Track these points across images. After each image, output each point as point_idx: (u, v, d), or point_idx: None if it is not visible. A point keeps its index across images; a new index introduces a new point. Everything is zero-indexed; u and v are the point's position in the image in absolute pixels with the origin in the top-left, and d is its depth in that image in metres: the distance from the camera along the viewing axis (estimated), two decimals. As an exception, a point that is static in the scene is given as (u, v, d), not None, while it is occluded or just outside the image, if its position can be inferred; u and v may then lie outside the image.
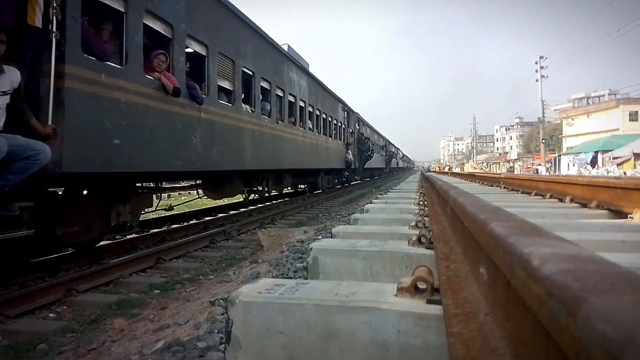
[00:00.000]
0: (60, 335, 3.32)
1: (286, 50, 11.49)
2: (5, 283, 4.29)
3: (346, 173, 20.36)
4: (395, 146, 50.12)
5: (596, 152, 35.42)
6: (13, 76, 3.66)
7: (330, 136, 16.48)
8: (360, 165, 22.06)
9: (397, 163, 51.41)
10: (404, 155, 69.16)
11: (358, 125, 22.88)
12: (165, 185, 8.91)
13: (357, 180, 24.82)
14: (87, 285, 4.43)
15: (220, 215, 10.17)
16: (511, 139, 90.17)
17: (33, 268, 4.86)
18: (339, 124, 18.43)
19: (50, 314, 3.82)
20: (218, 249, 6.71)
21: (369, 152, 22.93)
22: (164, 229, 8.02)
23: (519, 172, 34.91)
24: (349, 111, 20.37)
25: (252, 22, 8.73)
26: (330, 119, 16.50)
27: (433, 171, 36.94)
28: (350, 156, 19.29)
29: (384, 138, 36.37)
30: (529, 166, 47.06)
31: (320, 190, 16.79)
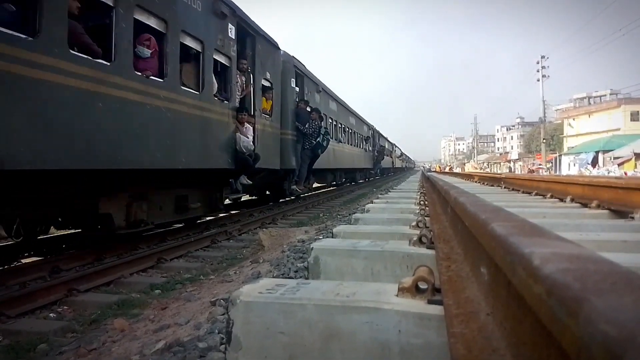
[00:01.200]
0: (61, 335, 3.32)
1: None
2: (5, 283, 4.30)
3: (242, 182, 8.67)
4: (389, 141, 40.72)
5: (597, 152, 35.41)
6: None
7: (159, 82, 5.57)
8: (303, 164, 12.12)
9: (394, 162, 43.91)
10: (402, 154, 62.24)
11: (297, 85, 12.17)
12: None
13: (300, 191, 12.59)
14: (88, 285, 4.43)
15: (221, 215, 10.18)
16: (512, 138, 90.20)
17: (34, 267, 4.87)
18: (218, 59, 7.26)
19: (51, 314, 3.82)
20: (219, 248, 6.71)
21: (319, 138, 12.30)
22: (165, 228, 8.03)
23: (519, 173, 34.69)
24: (256, 34, 8.84)
25: None
26: (164, 31, 5.72)
27: (434, 171, 36.81)
28: (250, 139, 8.10)
29: (369, 126, 26.70)
30: (534, 167, 43.21)
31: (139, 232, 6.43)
